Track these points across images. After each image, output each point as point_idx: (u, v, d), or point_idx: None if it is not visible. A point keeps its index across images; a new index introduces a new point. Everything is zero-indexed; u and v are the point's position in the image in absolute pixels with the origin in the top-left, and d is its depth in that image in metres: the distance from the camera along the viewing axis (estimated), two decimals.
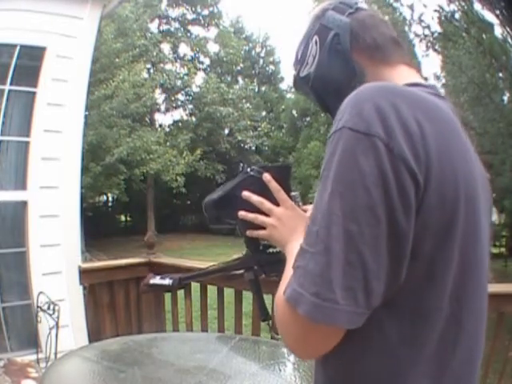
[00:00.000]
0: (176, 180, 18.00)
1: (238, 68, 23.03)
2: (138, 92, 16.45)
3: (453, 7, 9.07)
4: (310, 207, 0.90)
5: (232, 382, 1.62)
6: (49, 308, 2.77)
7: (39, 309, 2.80)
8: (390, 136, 0.60)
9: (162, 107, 21.21)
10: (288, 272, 0.71)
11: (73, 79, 3.17)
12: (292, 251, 0.75)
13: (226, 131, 21.58)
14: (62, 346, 2.70)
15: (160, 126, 21.04)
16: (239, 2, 44.68)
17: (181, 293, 2.81)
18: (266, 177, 0.89)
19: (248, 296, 2.18)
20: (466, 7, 9.11)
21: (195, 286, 2.71)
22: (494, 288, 2.42)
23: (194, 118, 20.92)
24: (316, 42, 0.85)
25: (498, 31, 8.67)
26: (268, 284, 1.02)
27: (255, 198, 0.89)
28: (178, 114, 22.08)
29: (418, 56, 10.77)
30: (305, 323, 0.63)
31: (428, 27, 9.30)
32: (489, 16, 8.56)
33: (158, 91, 19.88)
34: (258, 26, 40.65)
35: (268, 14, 47.01)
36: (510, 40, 8.49)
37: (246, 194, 0.90)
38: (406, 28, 10.21)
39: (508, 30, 7.95)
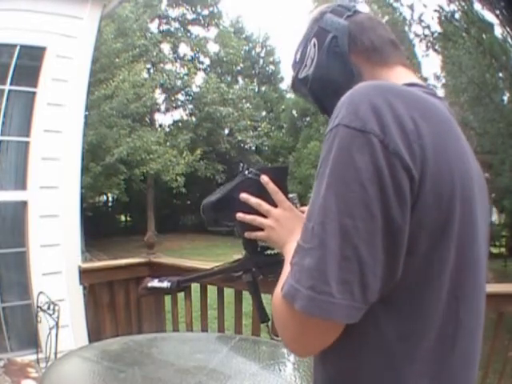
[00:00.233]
0: (176, 180, 18.00)
1: (238, 68, 23.03)
2: (138, 92, 16.45)
3: (453, 7, 9.08)
4: (306, 209, 0.91)
5: (232, 382, 1.62)
6: (49, 308, 2.77)
7: (39, 309, 2.80)
8: (385, 133, 0.61)
9: (162, 107, 21.22)
10: (286, 271, 0.71)
11: (73, 79, 3.17)
12: (290, 252, 0.75)
13: (226, 131, 21.58)
14: (62, 346, 2.70)
15: (160, 126, 21.04)
16: (239, 2, 44.75)
17: (181, 293, 2.81)
18: (264, 179, 0.89)
19: (248, 296, 2.18)
20: (466, 7, 9.11)
21: (195, 286, 2.71)
22: (494, 288, 2.42)
23: (193, 118, 20.91)
24: (314, 45, 0.86)
25: (498, 31, 8.68)
26: (267, 284, 1.02)
27: (253, 200, 0.89)
28: (178, 114, 22.11)
29: (418, 56, 10.78)
30: (302, 319, 0.63)
31: (428, 27, 9.31)
32: (489, 16, 8.58)
33: (158, 91, 19.88)
34: (258, 26, 40.74)
35: (268, 13, 47.07)
36: (510, 40, 8.50)
37: (244, 196, 0.90)
38: (406, 28, 10.22)
39: (508, 29, 7.95)
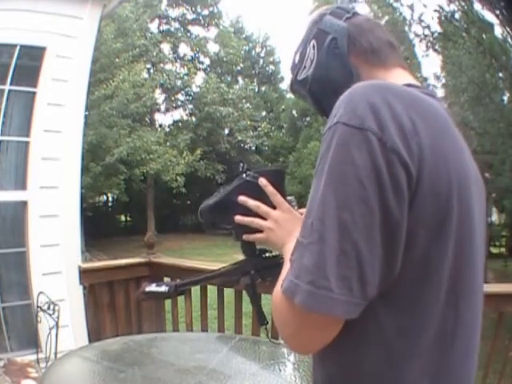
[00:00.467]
0: (176, 180, 18.00)
1: (238, 68, 23.03)
2: (138, 92, 16.45)
3: (453, 7, 9.08)
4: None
5: (232, 382, 1.62)
6: (49, 308, 2.77)
7: (39, 309, 2.80)
8: (383, 130, 0.62)
9: (162, 107, 21.23)
10: (284, 272, 0.72)
11: (73, 79, 3.17)
12: (289, 252, 0.75)
13: (226, 131, 21.58)
14: (62, 346, 2.70)
15: (160, 126, 21.04)
16: (239, 2, 44.77)
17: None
18: (262, 181, 0.90)
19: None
20: (466, 7, 9.11)
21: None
22: (494, 288, 2.42)
23: (193, 118, 20.92)
24: (314, 46, 0.87)
25: (498, 31, 8.68)
26: (267, 284, 1.02)
27: (251, 202, 0.90)
28: (178, 114, 22.12)
29: (418, 56, 10.79)
30: (302, 314, 0.64)
31: (428, 27, 9.31)
32: (489, 16, 8.58)
33: (158, 91, 19.89)
34: (258, 26, 40.80)
35: (268, 14, 47.06)
36: (510, 40, 8.49)
37: (242, 198, 0.90)
38: (406, 28, 10.22)
39: (508, 29, 7.95)
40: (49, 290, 2.84)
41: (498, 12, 7.85)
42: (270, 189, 0.89)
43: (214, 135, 20.67)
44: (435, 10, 9.06)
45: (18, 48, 2.99)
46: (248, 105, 21.93)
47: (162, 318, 3.13)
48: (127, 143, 16.07)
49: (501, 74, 9.19)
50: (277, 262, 0.96)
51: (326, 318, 0.63)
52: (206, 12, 22.13)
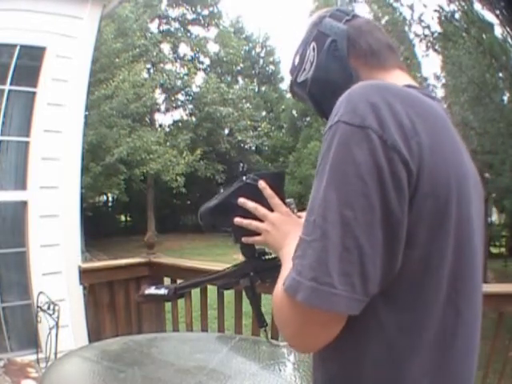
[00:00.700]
0: (176, 180, 18.00)
1: (238, 68, 23.03)
2: (138, 92, 16.45)
3: (453, 7, 9.07)
4: (304, 214, 0.92)
5: (232, 382, 1.62)
6: (49, 308, 2.77)
7: (39, 309, 2.80)
8: (384, 129, 0.63)
9: (162, 107, 21.23)
10: (284, 272, 0.72)
11: (73, 79, 3.17)
12: (286, 255, 0.77)
13: (226, 131, 21.58)
14: (62, 346, 2.70)
15: (160, 126, 21.04)
16: (239, 2, 44.79)
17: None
18: (261, 184, 0.90)
19: None
20: (466, 7, 9.10)
21: None
22: (494, 288, 2.43)
23: (193, 118, 20.91)
24: (314, 49, 0.88)
25: (498, 31, 8.67)
26: (268, 285, 1.02)
27: (250, 205, 0.90)
28: (178, 114, 22.11)
29: (418, 56, 10.78)
30: (304, 311, 0.64)
31: (428, 27, 9.30)
32: (489, 16, 8.57)
33: (158, 91, 19.88)
34: (258, 26, 40.77)
35: (268, 14, 47.05)
36: (510, 40, 8.49)
37: (241, 200, 0.91)
38: (406, 28, 10.21)
39: (508, 29, 7.95)
40: (49, 290, 2.84)
41: (498, 12, 7.85)
42: (268, 191, 0.90)
43: (214, 135, 20.66)
44: (435, 10, 9.05)
45: (18, 48, 2.99)
46: (248, 105, 21.92)
47: (162, 318, 3.13)
48: (127, 143, 16.07)
49: (501, 74, 9.18)
50: (276, 264, 0.96)
51: (328, 315, 0.64)
52: (206, 12, 22.13)
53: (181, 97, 21.55)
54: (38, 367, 2.56)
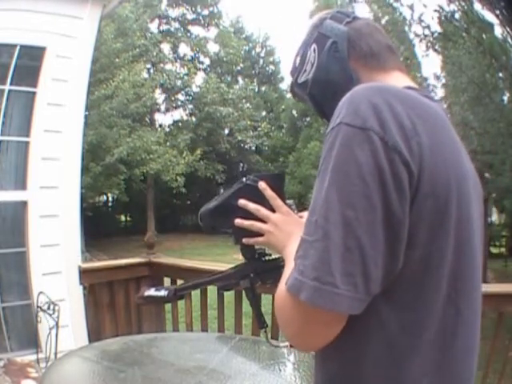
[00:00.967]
0: (176, 180, 18.01)
1: (238, 68, 23.03)
2: (138, 92, 16.45)
3: (453, 7, 9.06)
4: (305, 213, 0.93)
5: (232, 382, 1.62)
6: (49, 308, 2.77)
7: (39, 309, 2.80)
8: (385, 130, 0.64)
9: (162, 107, 21.23)
10: (287, 271, 0.73)
11: (73, 79, 3.17)
12: (290, 255, 0.77)
13: (226, 131, 21.58)
14: (62, 346, 2.70)
15: (160, 126, 21.04)
16: (239, 2, 44.80)
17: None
18: (262, 185, 0.90)
19: None
20: (466, 7, 9.10)
21: None
22: (494, 288, 2.43)
23: (193, 118, 20.92)
24: (314, 50, 0.88)
25: (498, 31, 8.67)
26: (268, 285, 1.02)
27: (252, 206, 0.90)
28: (178, 114, 22.12)
29: (418, 56, 10.78)
30: (307, 310, 0.65)
31: (428, 27, 9.30)
32: (489, 16, 8.57)
33: (158, 91, 19.89)
34: (258, 26, 40.79)
35: (268, 14, 47.04)
36: (510, 40, 8.49)
37: (242, 202, 0.91)
38: (406, 28, 10.21)
39: (508, 29, 7.95)
40: (49, 290, 2.84)
41: (498, 12, 7.84)
42: (269, 192, 0.90)
43: (214, 135, 20.66)
44: (435, 10, 9.05)
45: (18, 48, 2.99)
46: (248, 105, 21.93)
47: (162, 318, 3.13)
48: (127, 143, 16.07)
49: (501, 74, 9.17)
50: (276, 265, 0.96)
51: (330, 314, 0.64)
52: (206, 12, 22.13)
53: (181, 97, 21.56)
54: (38, 367, 2.56)
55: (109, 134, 15.62)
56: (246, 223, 0.91)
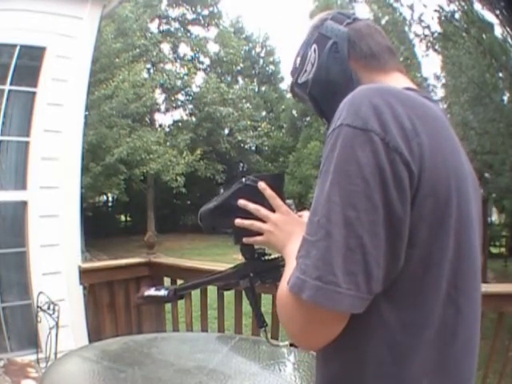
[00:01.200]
0: (176, 180, 18.01)
1: (238, 68, 23.02)
2: (138, 92, 16.46)
3: (453, 7, 9.05)
4: (304, 213, 0.95)
5: (232, 382, 1.62)
6: (49, 308, 2.77)
7: (39, 309, 2.80)
8: (386, 131, 0.65)
9: (162, 107, 21.23)
10: (288, 271, 0.73)
11: (73, 79, 3.17)
12: (290, 254, 0.78)
13: (226, 131, 21.58)
14: (62, 346, 2.70)
15: (160, 126, 21.04)
16: (239, 2, 44.80)
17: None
18: (261, 185, 0.91)
19: None
20: (466, 7, 9.09)
21: None
22: (494, 288, 2.43)
23: (193, 118, 20.91)
24: (315, 50, 0.89)
25: (498, 31, 8.67)
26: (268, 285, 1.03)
27: (252, 206, 0.91)
28: (178, 114, 22.12)
29: (418, 56, 10.78)
30: (309, 309, 0.65)
31: (428, 27, 9.29)
32: (489, 16, 8.56)
33: (158, 91, 19.89)
34: (258, 26, 40.74)
35: (268, 14, 47.03)
36: (510, 40, 8.48)
37: (242, 202, 0.91)
38: (406, 28, 10.21)
39: (508, 29, 7.94)
40: (49, 290, 2.84)
41: (498, 12, 7.84)
42: (268, 192, 0.90)
43: (214, 135, 20.66)
44: (435, 10, 9.04)
45: (17, 48, 2.99)
46: (248, 105, 21.93)
47: (162, 318, 3.13)
48: (127, 143, 16.08)
49: (501, 74, 9.17)
50: (276, 265, 0.97)
51: (332, 313, 0.65)
52: (205, 12, 22.13)
53: (181, 97, 21.55)
54: (38, 367, 2.56)
55: (109, 134, 15.62)
56: (246, 223, 0.91)
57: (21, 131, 3.05)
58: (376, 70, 0.85)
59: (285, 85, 23.76)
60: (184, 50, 21.94)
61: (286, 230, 0.87)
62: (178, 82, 20.31)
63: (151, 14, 19.25)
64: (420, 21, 9.39)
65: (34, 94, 3.03)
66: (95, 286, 2.98)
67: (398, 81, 0.84)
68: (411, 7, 9.61)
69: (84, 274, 2.99)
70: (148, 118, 19.90)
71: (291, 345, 1.11)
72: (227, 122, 20.33)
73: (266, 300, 1.93)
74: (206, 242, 16.73)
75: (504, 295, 2.16)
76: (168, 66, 20.76)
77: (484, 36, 8.72)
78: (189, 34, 22.02)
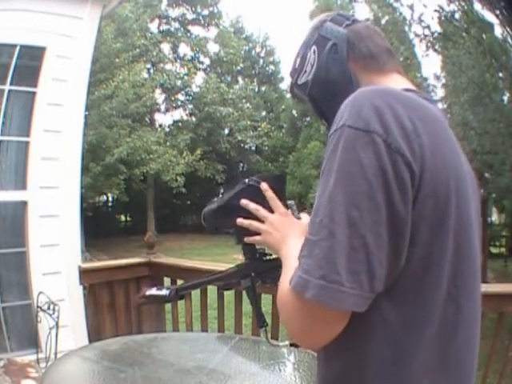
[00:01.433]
0: (176, 180, 18.01)
1: (238, 68, 23.02)
2: (137, 92, 16.46)
3: (453, 7, 9.05)
4: (303, 215, 0.95)
5: (232, 382, 1.62)
6: (49, 308, 2.77)
7: (39, 309, 2.80)
8: (388, 132, 0.65)
9: (162, 107, 21.23)
10: (285, 272, 0.75)
11: (73, 79, 3.17)
12: (286, 256, 0.80)
13: (226, 131, 21.58)
14: (62, 345, 2.70)
15: (160, 126, 21.04)
16: (239, 2, 44.80)
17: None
18: (264, 186, 0.92)
19: None
20: (465, 7, 9.09)
21: None
22: (494, 288, 2.43)
23: (193, 118, 20.91)
24: (314, 52, 0.90)
25: (498, 31, 8.66)
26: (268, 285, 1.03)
27: (252, 206, 0.92)
28: (178, 114, 22.11)
29: (418, 56, 10.79)
30: (312, 308, 0.66)
31: (428, 27, 9.28)
32: (489, 16, 8.56)
33: (157, 91, 19.89)
34: (258, 26, 40.72)
35: (268, 14, 47.02)
36: (510, 40, 8.48)
37: (244, 201, 0.93)
38: (406, 28, 10.20)
39: (508, 29, 7.94)
40: (49, 290, 2.84)
41: (498, 12, 7.83)
42: (269, 193, 0.92)
43: (214, 135, 20.66)
44: (435, 10, 9.04)
45: (17, 48, 2.99)
46: (248, 105, 21.93)
47: (162, 318, 3.13)
48: (127, 143, 16.08)
49: (501, 74, 9.17)
50: (276, 265, 0.97)
51: (334, 312, 0.66)
52: (206, 12, 22.13)
53: (181, 97, 21.55)
54: (38, 367, 2.56)
55: (109, 134, 15.63)
56: (246, 222, 0.92)
57: (21, 131, 3.05)
58: (375, 71, 0.86)
59: (285, 85, 23.77)
60: (184, 49, 21.98)
61: (283, 231, 0.88)
62: (178, 82, 20.31)
63: (151, 14, 19.25)
64: (420, 21, 9.39)
65: (33, 94, 3.03)
66: (95, 286, 2.98)
67: (396, 82, 0.85)
68: (411, 7, 9.61)
69: (84, 274, 2.99)
70: (148, 118, 19.90)
71: (291, 345, 1.12)
72: (227, 121, 20.33)
73: (266, 300, 1.93)
74: (206, 242, 16.73)
75: (504, 295, 2.16)
76: (168, 66, 20.76)
77: (484, 36, 8.72)
78: (189, 34, 22.02)
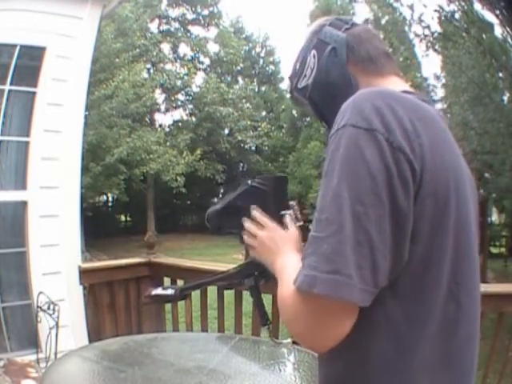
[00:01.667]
0: (176, 180, 18.01)
1: (238, 68, 23.01)
2: (137, 92, 16.46)
3: (453, 7, 9.05)
4: (291, 226, 0.95)
5: (232, 382, 1.62)
6: (49, 308, 2.77)
7: (39, 309, 2.80)
8: (389, 132, 0.67)
9: (162, 107, 21.22)
10: (283, 283, 0.76)
11: (73, 79, 3.17)
12: (280, 268, 0.82)
13: (226, 131, 21.58)
14: (62, 346, 2.70)
15: (160, 126, 21.04)
16: (239, 2, 44.81)
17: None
18: (253, 208, 0.93)
19: (248, 296, 2.18)
20: (466, 7, 9.09)
21: None
22: (494, 288, 2.43)
23: (194, 118, 20.91)
24: (314, 56, 0.91)
25: (498, 31, 8.66)
26: (269, 284, 1.03)
27: (253, 215, 0.93)
28: (178, 114, 22.11)
29: (418, 56, 10.80)
30: (319, 305, 0.67)
31: (428, 27, 9.29)
32: (489, 16, 8.56)
33: (157, 91, 19.88)
34: (258, 26, 40.63)
35: (268, 14, 47.00)
36: (510, 40, 8.48)
37: (255, 213, 0.93)
38: (406, 28, 10.21)
39: (508, 29, 7.94)
40: (49, 290, 2.84)
41: (498, 12, 7.83)
42: (255, 213, 0.92)
43: (214, 135, 20.66)
44: (435, 10, 9.04)
45: (17, 48, 2.99)
46: (248, 105, 21.92)
47: (162, 318, 3.13)
48: (127, 143, 16.08)
49: (501, 74, 9.17)
50: None
51: (343, 306, 0.66)
52: (206, 12, 22.12)
53: (181, 97, 21.55)
54: (38, 367, 2.56)
55: (109, 134, 15.63)
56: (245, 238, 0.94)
57: (21, 131, 3.05)
58: (374, 73, 0.88)
59: (285, 85, 23.75)
60: (184, 49, 21.97)
61: (274, 247, 0.88)
62: (178, 82, 20.31)
63: (151, 14, 19.25)
64: (420, 21, 9.39)
65: (34, 94, 3.03)
66: (95, 286, 2.98)
67: (395, 84, 0.86)
68: (411, 7, 9.61)
69: (84, 274, 2.99)
70: (148, 118, 19.90)
71: (294, 342, 1.12)
72: (227, 121, 20.33)
73: (266, 300, 1.93)
74: (206, 242, 16.74)
75: (504, 295, 2.16)
76: (168, 66, 20.76)
77: (484, 36, 8.72)
78: (189, 34, 22.02)
